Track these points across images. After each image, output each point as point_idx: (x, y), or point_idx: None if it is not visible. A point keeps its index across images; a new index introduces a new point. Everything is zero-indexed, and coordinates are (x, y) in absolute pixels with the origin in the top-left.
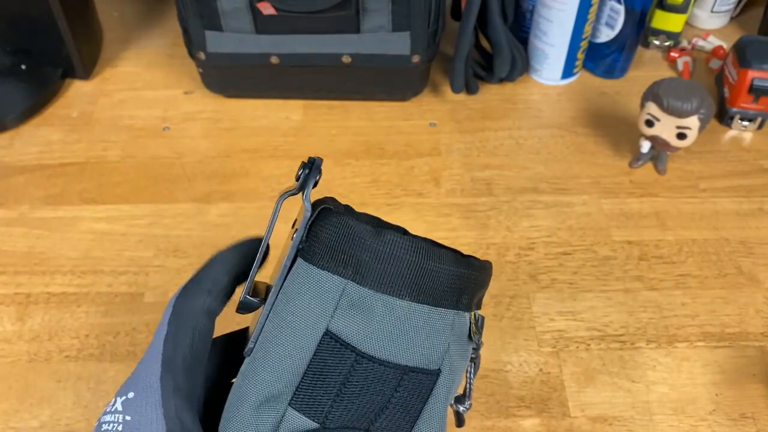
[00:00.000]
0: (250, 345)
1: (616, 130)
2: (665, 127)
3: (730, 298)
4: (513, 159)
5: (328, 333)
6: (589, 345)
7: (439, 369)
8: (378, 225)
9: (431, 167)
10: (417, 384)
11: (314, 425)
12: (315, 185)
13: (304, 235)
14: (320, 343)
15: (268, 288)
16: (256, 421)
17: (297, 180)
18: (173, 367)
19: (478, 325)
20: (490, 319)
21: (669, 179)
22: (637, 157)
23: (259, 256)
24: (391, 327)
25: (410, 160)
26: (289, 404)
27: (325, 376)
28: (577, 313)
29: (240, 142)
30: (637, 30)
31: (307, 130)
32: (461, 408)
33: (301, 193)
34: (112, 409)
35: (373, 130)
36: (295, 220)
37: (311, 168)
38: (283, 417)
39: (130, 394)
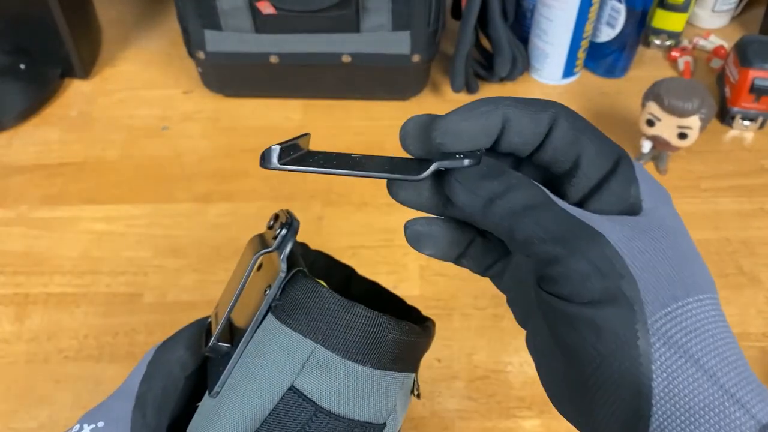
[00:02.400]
0: (216, 388)
1: (616, 130)
2: (666, 127)
3: (731, 299)
4: None
5: (292, 388)
6: None
7: (385, 423)
8: (349, 278)
9: None
10: None
11: None
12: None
13: (278, 294)
14: (283, 396)
15: (234, 334)
16: None
17: (269, 228)
18: (144, 404)
19: (416, 381)
20: (491, 320)
21: (670, 179)
22: (638, 157)
23: (232, 302)
24: (350, 388)
25: None
26: None
27: (283, 425)
28: None
29: (240, 142)
30: (638, 29)
31: (307, 130)
32: None
33: (276, 253)
34: None
35: (373, 130)
36: (261, 264)
37: (289, 229)
38: None
39: (100, 423)
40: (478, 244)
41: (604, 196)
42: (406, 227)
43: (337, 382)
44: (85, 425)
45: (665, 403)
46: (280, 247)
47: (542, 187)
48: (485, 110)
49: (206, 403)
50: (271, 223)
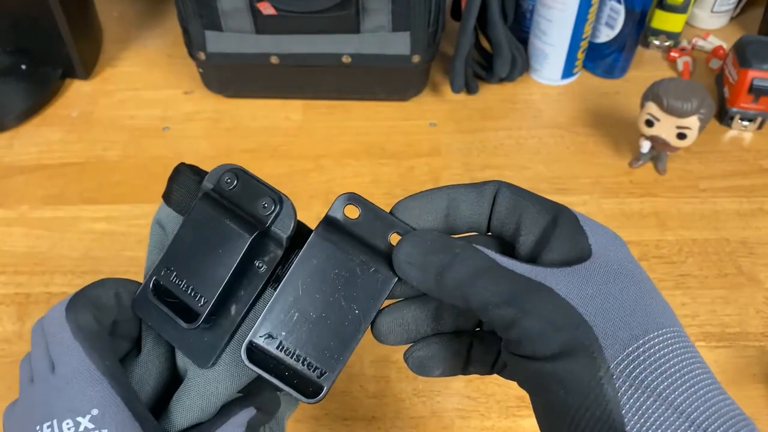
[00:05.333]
0: (214, 360)
1: (616, 130)
2: (665, 127)
3: (730, 298)
4: (513, 159)
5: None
6: None
7: None
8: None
9: (431, 167)
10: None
11: None
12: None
13: (278, 268)
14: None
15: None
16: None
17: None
18: (116, 376)
19: None
20: None
21: (669, 179)
22: (637, 157)
23: (225, 281)
24: None
25: (410, 160)
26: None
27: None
28: None
29: (240, 142)
30: (637, 30)
31: (307, 130)
32: None
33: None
34: (81, 429)
35: (373, 130)
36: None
37: (282, 207)
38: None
39: (94, 411)
40: (476, 345)
41: (553, 248)
42: (407, 358)
43: None
44: (80, 418)
45: None
46: (272, 224)
47: (486, 251)
48: (430, 193)
49: (202, 375)
50: (264, 204)
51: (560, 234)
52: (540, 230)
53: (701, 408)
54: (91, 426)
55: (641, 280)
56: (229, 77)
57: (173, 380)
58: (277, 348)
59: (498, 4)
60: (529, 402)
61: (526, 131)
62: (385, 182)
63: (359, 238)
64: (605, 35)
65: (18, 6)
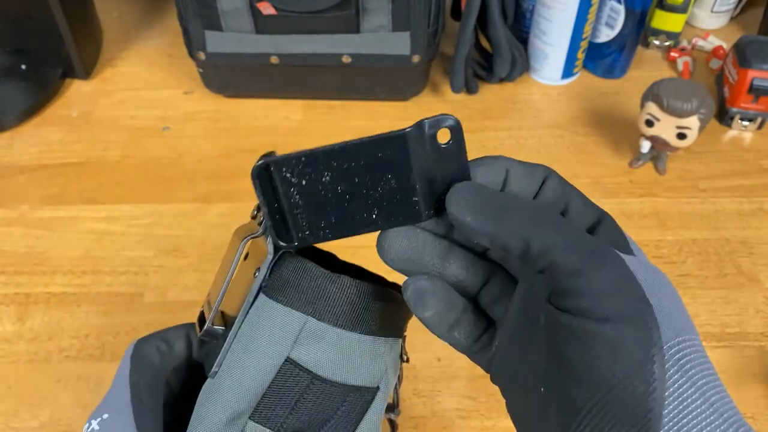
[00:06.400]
0: (214, 369)
1: (616, 130)
2: (665, 127)
3: (730, 298)
4: None
5: (288, 360)
6: None
7: (378, 386)
8: (332, 260)
9: None
10: (359, 398)
11: None
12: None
13: (267, 274)
14: (281, 368)
15: (226, 318)
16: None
17: (253, 218)
18: (139, 391)
19: (404, 346)
20: None
21: (669, 179)
22: (637, 157)
23: (223, 288)
24: (343, 355)
25: None
26: (250, 418)
27: (283, 394)
28: None
29: (240, 142)
30: (637, 30)
31: (307, 130)
32: (392, 416)
33: (262, 237)
34: (89, 430)
35: (374, 130)
36: (248, 254)
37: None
38: (244, 429)
39: (105, 415)
40: (470, 310)
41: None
42: (407, 285)
43: (331, 349)
44: (92, 421)
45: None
46: (266, 231)
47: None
48: (490, 160)
49: (207, 384)
50: (255, 212)
51: (605, 230)
52: (586, 222)
53: (731, 411)
54: (97, 428)
55: (671, 286)
56: (229, 77)
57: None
58: (289, 188)
59: (498, 4)
60: None
61: (526, 131)
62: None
63: (429, 162)
64: (605, 35)
65: (18, 6)
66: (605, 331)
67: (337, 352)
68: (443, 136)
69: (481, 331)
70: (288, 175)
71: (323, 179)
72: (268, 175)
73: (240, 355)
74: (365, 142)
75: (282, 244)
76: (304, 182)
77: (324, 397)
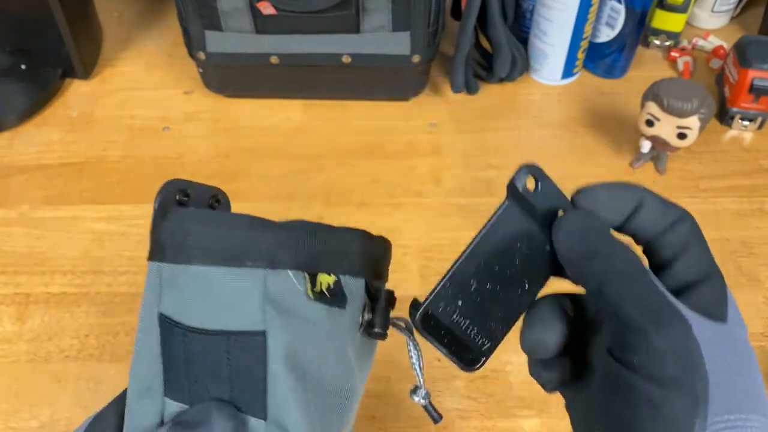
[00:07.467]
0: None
1: (616, 130)
2: (665, 127)
3: None
4: (513, 159)
5: (160, 316)
6: None
7: (264, 329)
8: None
9: (431, 167)
10: (246, 347)
11: (185, 407)
12: None
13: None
14: (160, 327)
15: None
16: (142, 411)
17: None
18: None
19: (337, 288)
20: None
21: (669, 179)
22: (637, 157)
23: None
24: (198, 295)
25: (410, 160)
26: (164, 395)
27: (171, 356)
28: None
29: (240, 142)
30: (638, 30)
31: (307, 130)
32: (418, 399)
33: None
34: None
35: (373, 130)
36: None
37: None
38: (163, 408)
39: None
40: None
41: (698, 294)
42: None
43: (186, 292)
44: None
45: None
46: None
47: (640, 259)
48: (627, 187)
49: None
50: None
51: (704, 291)
52: (691, 276)
53: None
54: None
55: (754, 363)
56: (229, 77)
57: None
58: (451, 317)
59: (498, 4)
60: (529, 402)
61: (526, 131)
62: (385, 182)
63: (537, 211)
64: (605, 35)
65: (18, 6)
66: (652, 392)
67: (192, 294)
68: (531, 183)
69: (563, 373)
70: (444, 305)
71: (472, 288)
72: (430, 319)
73: (138, 336)
74: (485, 234)
75: (474, 369)
76: (460, 302)
77: (204, 350)
